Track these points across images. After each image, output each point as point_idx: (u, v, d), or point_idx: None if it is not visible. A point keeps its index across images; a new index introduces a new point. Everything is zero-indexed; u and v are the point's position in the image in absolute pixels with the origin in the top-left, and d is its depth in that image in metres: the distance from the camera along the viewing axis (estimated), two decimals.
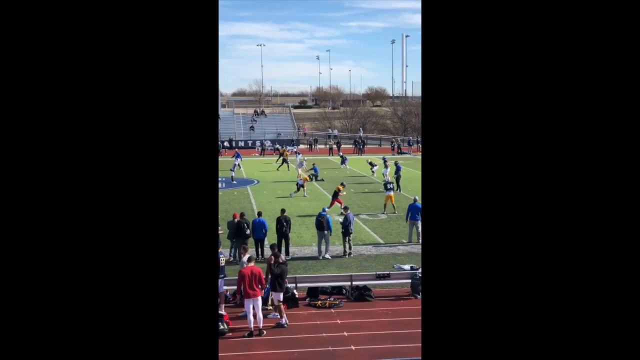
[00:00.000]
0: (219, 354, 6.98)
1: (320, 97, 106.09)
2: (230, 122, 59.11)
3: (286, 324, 11.58)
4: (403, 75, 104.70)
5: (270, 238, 16.90)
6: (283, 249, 16.03)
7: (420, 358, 7.54)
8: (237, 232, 15.76)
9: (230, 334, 11.22)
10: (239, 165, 33.77)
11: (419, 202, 18.02)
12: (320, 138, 56.96)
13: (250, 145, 54.17)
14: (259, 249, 16.28)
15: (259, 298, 11.18)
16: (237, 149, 44.45)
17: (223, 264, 12.73)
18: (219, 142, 47.03)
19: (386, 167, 29.37)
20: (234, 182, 31.18)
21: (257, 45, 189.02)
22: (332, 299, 13.07)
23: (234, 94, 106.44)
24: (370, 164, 34.52)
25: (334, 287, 13.56)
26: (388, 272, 13.96)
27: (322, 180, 31.63)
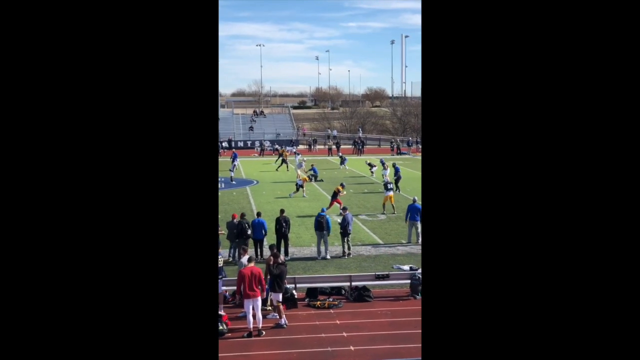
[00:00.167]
0: (218, 355, 6.98)
1: (320, 98, 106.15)
2: (230, 123, 59.10)
3: (285, 324, 11.57)
4: (402, 76, 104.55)
5: (270, 238, 16.90)
6: (282, 249, 16.02)
7: (419, 358, 7.53)
8: (240, 233, 15.76)
9: (230, 334, 11.21)
10: (236, 165, 33.73)
11: (418, 203, 18.02)
12: (319, 138, 56.98)
13: (249, 145, 54.16)
14: (258, 250, 16.28)
15: (259, 299, 11.18)
16: (234, 150, 44.37)
17: (221, 265, 12.72)
18: (219, 143, 47.02)
19: (385, 168, 29.37)
20: (233, 182, 31.18)
21: (257, 45, 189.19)
22: (331, 299, 13.07)
23: (233, 94, 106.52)
24: (369, 164, 34.51)
25: (333, 288, 13.55)
26: (387, 273, 13.95)
27: (322, 180, 31.63)
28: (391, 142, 51.79)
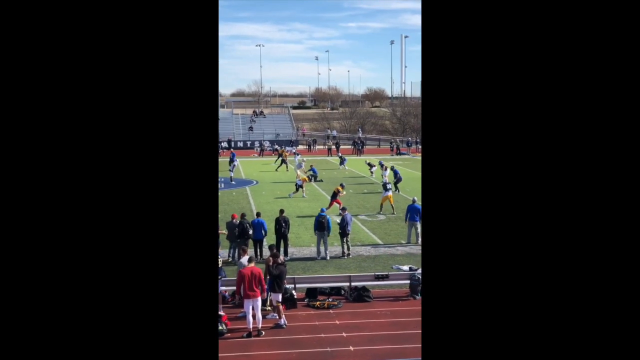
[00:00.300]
0: (218, 355, 6.97)
1: (319, 98, 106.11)
2: (229, 123, 59.07)
3: (285, 324, 11.57)
4: (402, 76, 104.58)
5: (269, 239, 16.90)
6: (282, 249, 16.02)
7: (419, 359, 7.53)
8: (241, 233, 15.76)
9: (229, 334, 11.21)
10: (236, 165, 33.70)
11: (418, 203, 18.02)
12: (319, 139, 56.97)
13: (249, 145, 54.15)
14: (258, 250, 16.27)
15: (259, 299, 11.17)
16: (232, 150, 44.31)
17: (220, 265, 12.71)
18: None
19: (384, 169, 29.36)
20: (233, 182, 31.17)
21: (256, 45, 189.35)
22: (330, 299, 13.06)
23: (233, 95, 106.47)
24: (369, 164, 34.50)
25: (332, 288, 13.55)
26: (387, 273, 13.95)
27: (321, 181, 31.63)
28: (391, 143, 51.78)
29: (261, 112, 64.21)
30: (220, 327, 11.10)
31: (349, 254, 16.65)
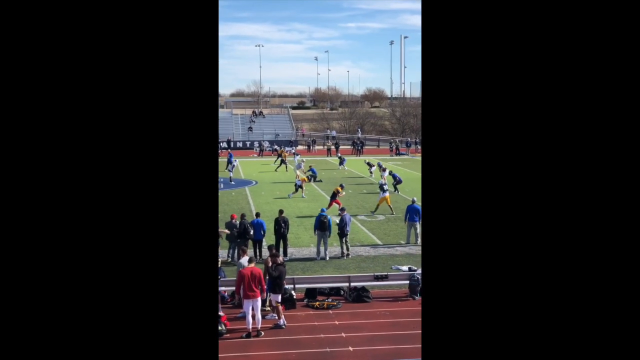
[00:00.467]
0: (218, 355, 6.97)
1: (319, 98, 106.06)
2: (229, 123, 59.07)
3: (284, 325, 11.57)
4: (401, 76, 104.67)
5: (269, 239, 16.89)
6: (281, 250, 16.02)
7: (419, 359, 7.53)
8: (242, 233, 15.76)
9: (228, 335, 11.20)
10: (233, 165, 33.68)
11: (417, 204, 18.03)
12: (318, 139, 56.97)
13: (248, 146, 54.15)
14: (257, 250, 16.27)
15: (259, 299, 11.17)
16: (229, 150, 44.24)
17: (219, 265, 12.71)
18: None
19: (383, 170, 29.35)
20: (232, 182, 31.17)
21: (256, 45, 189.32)
22: (330, 300, 13.06)
23: (232, 95, 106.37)
24: (368, 164, 34.51)
25: (332, 288, 13.55)
26: (386, 274, 13.95)
27: (321, 181, 31.63)
28: (390, 143, 51.78)
29: (260, 113, 64.20)
30: (219, 328, 11.09)
31: (348, 255, 16.65)
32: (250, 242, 16.13)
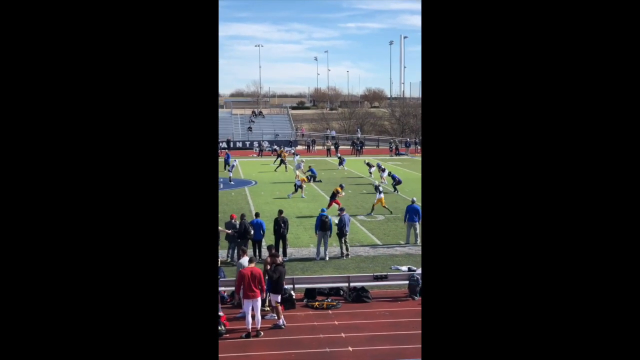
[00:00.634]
0: (218, 355, 6.97)
1: (318, 98, 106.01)
2: (228, 123, 59.07)
3: (283, 325, 11.57)
4: (401, 77, 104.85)
5: (268, 239, 16.89)
6: (281, 250, 16.02)
7: (418, 359, 7.53)
8: (243, 233, 15.76)
9: (228, 335, 11.20)
10: (232, 166, 33.69)
11: (417, 204, 18.03)
12: (318, 139, 56.96)
13: (248, 146, 54.14)
14: (257, 250, 16.27)
15: (259, 299, 11.17)
16: (227, 150, 44.18)
17: (218, 265, 12.70)
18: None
19: (382, 170, 29.34)
20: (232, 182, 31.17)
21: (255, 46, 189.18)
22: (329, 300, 13.06)
23: (232, 95, 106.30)
24: (368, 164, 34.52)
25: (331, 289, 13.55)
26: (385, 274, 13.95)
27: (320, 181, 31.63)
28: (390, 143, 51.78)
29: (260, 113, 64.20)
30: (219, 328, 11.09)
31: (347, 255, 16.66)
32: (249, 242, 16.13)
